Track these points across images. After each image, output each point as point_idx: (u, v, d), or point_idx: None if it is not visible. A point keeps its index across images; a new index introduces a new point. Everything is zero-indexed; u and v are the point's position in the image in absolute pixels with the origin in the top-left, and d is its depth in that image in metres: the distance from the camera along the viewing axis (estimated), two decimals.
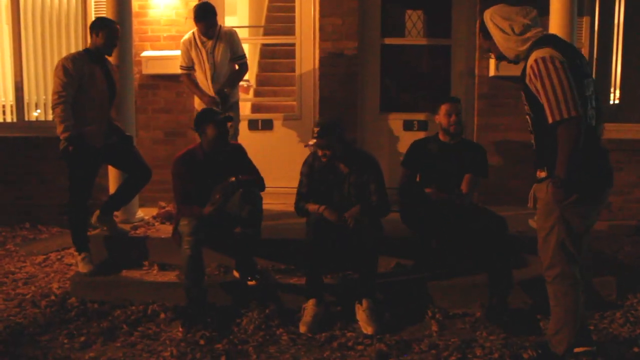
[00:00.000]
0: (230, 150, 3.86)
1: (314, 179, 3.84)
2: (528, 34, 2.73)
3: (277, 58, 7.94)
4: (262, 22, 8.41)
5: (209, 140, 3.73)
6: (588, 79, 2.72)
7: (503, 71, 5.14)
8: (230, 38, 4.66)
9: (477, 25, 5.12)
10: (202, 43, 4.62)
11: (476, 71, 5.29)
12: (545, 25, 3.84)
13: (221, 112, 3.93)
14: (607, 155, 2.79)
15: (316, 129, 3.67)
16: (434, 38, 5.60)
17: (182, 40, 4.74)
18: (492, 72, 5.18)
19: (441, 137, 4.10)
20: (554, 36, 2.90)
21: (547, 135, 2.68)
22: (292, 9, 5.58)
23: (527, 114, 2.83)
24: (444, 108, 4.00)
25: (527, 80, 2.70)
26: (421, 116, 5.43)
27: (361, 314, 3.47)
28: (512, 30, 2.74)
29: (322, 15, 5.27)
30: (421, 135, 5.26)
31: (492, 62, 5.15)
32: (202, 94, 4.64)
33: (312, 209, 3.77)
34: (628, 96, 5.60)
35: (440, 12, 5.53)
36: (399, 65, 5.74)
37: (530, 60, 2.65)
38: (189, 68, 4.71)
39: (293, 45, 5.53)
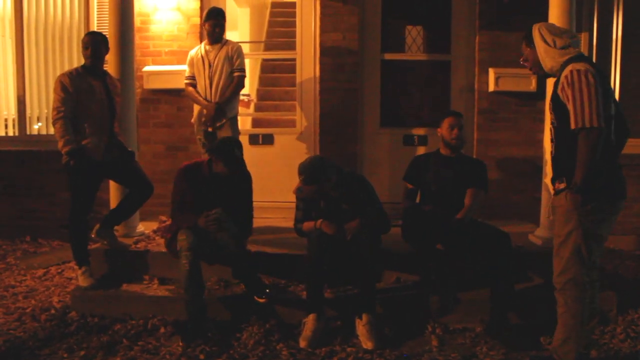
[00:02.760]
0: (240, 177, 3.86)
1: (307, 205, 3.84)
2: (567, 51, 2.90)
3: (277, 73, 8.00)
4: (263, 38, 8.47)
5: (219, 170, 3.75)
6: (612, 102, 2.88)
7: (502, 86, 5.20)
8: (234, 49, 4.69)
9: (477, 40, 5.25)
10: (206, 52, 4.68)
11: (476, 86, 5.32)
12: None
13: (240, 154, 3.80)
14: (621, 169, 2.92)
15: (301, 177, 3.66)
16: (433, 53, 5.64)
17: (190, 52, 4.82)
18: (491, 88, 5.22)
19: (442, 150, 4.13)
20: (589, 57, 3.09)
21: (569, 145, 2.80)
22: (293, 25, 5.63)
23: (552, 123, 2.97)
24: (447, 121, 4.06)
25: (559, 89, 2.83)
26: (421, 131, 5.45)
27: (361, 328, 3.47)
28: (555, 43, 2.92)
29: (323, 30, 5.32)
30: (421, 150, 5.29)
31: (491, 78, 5.19)
32: (201, 100, 4.67)
33: (308, 226, 3.78)
34: (626, 111, 5.59)
35: (439, 27, 5.57)
36: (399, 81, 5.77)
37: (566, 71, 2.80)
38: (192, 78, 4.76)
39: (294, 60, 5.56)
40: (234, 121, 4.73)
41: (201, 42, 5.29)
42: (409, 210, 4.08)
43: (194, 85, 4.74)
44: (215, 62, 4.64)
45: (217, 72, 4.63)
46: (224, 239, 3.68)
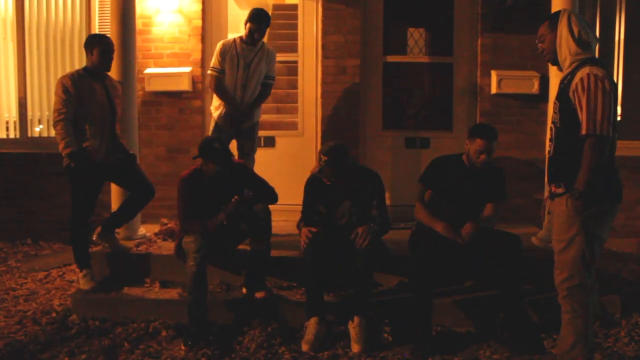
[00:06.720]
0: (235, 169, 3.86)
1: (315, 199, 3.84)
2: (585, 49, 2.81)
3: (279, 75, 7.95)
4: (265, 39, 8.44)
5: (210, 173, 3.72)
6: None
7: (505, 89, 5.18)
8: (270, 55, 4.72)
9: (479, 42, 5.24)
10: (242, 50, 4.58)
11: (478, 88, 5.31)
12: None
13: (223, 146, 3.75)
14: (618, 172, 2.89)
15: (324, 157, 3.62)
16: (435, 56, 5.63)
17: (222, 41, 4.69)
18: (494, 90, 5.20)
19: (465, 160, 3.78)
20: (603, 61, 2.96)
21: (569, 148, 2.78)
22: (295, 27, 5.62)
23: (553, 122, 2.92)
24: (477, 142, 3.65)
25: (570, 91, 2.76)
26: (423, 133, 5.43)
27: (351, 331, 3.45)
28: (578, 36, 2.81)
29: (325, 33, 5.31)
30: (423, 152, 5.27)
31: (493, 80, 5.18)
32: (227, 99, 4.54)
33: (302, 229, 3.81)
34: (629, 113, 5.61)
35: (441, 30, 5.56)
36: (401, 83, 5.76)
37: (583, 73, 2.72)
38: (221, 71, 4.56)
39: (295, 62, 5.56)
40: (257, 125, 4.77)
41: (202, 44, 5.31)
42: (427, 238, 3.65)
43: (223, 80, 4.56)
44: (253, 66, 4.57)
45: (255, 77, 4.60)
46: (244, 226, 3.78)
